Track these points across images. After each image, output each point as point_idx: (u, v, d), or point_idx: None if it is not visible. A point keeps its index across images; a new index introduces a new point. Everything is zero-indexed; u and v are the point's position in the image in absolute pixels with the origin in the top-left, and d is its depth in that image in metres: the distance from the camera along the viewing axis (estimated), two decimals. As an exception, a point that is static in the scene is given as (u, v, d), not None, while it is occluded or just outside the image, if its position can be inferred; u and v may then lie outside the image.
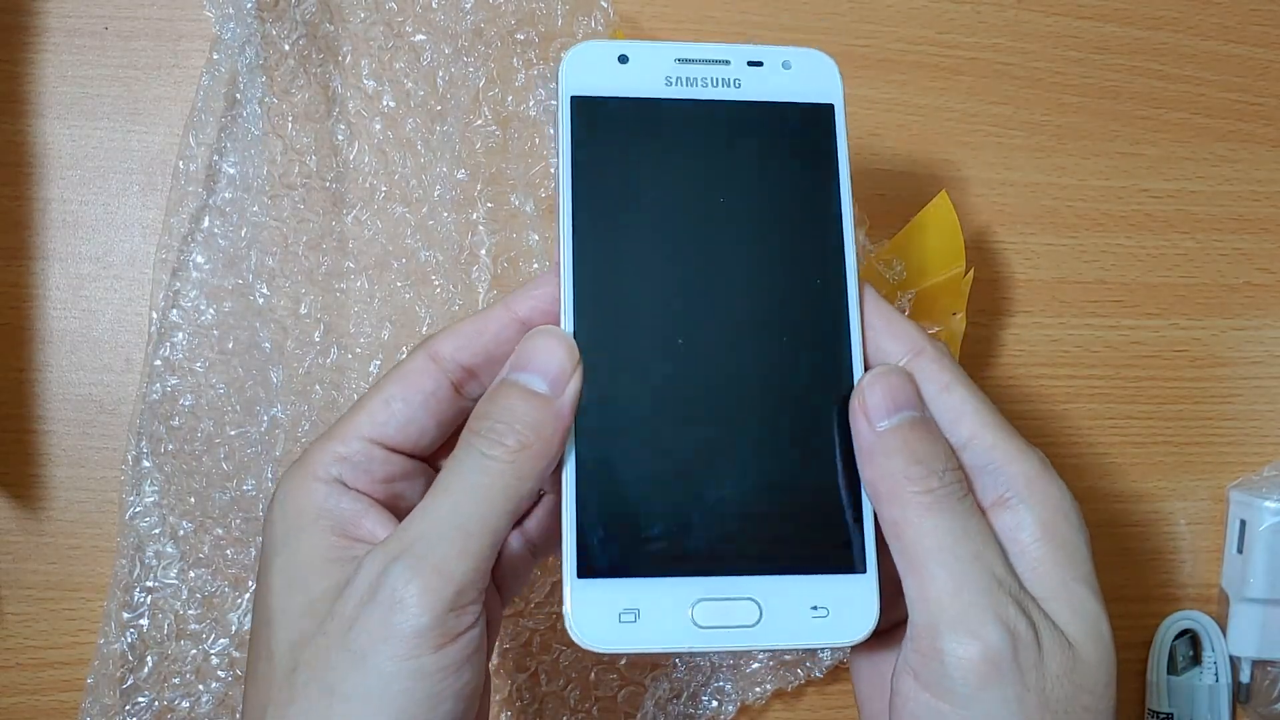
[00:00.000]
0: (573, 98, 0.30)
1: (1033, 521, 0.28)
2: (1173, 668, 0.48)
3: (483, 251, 0.43)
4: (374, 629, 0.25)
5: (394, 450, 0.29)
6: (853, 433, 0.28)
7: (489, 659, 0.28)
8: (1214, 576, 0.49)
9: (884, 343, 0.29)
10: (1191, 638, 0.48)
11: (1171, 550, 0.49)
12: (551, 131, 0.30)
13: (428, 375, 0.29)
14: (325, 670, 0.25)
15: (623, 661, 0.43)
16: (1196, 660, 0.48)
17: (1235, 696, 0.48)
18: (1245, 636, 0.47)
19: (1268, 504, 0.47)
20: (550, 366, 0.27)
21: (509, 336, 0.29)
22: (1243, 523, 0.48)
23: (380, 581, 0.25)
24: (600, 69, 0.30)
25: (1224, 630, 0.48)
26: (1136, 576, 0.49)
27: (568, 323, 0.28)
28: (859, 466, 0.28)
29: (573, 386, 0.27)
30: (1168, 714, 0.47)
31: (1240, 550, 0.47)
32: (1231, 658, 0.47)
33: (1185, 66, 0.50)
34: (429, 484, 0.30)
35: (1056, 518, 0.28)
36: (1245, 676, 0.48)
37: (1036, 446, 0.29)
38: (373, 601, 0.25)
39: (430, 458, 0.30)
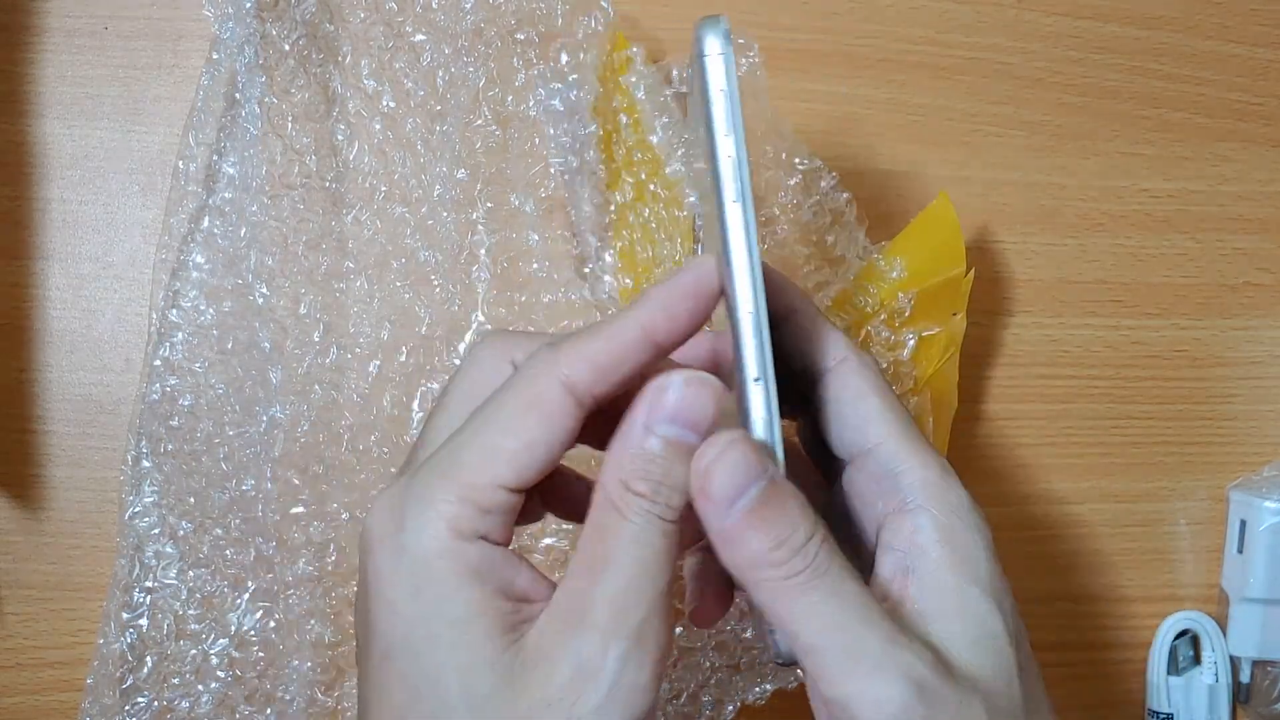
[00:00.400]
0: (723, 91, 0.27)
1: (930, 524, 0.28)
2: (1173, 668, 0.48)
3: (482, 251, 0.43)
4: (610, 712, 0.25)
5: (520, 492, 0.27)
6: (700, 514, 0.26)
7: None
8: (1214, 576, 0.49)
9: (811, 350, 0.30)
10: (1191, 638, 0.48)
11: (1171, 550, 0.49)
12: (696, 115, 0.28)
13: (569, 415, 0.26)
14: None
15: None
16: (1196, 660, 0.48)
17: (1235, 696, 0.48)
18: (1245, 636, 0.47)
19: (1268, 504, 0.47)
20: (705, 423, 0.26)
21: (644, 360, 0.27)
22: (1243, 523, 0.48)
23: (604, 666, 0.25)
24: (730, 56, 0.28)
25: (1224, 630, 0.48)
26: (1136, 576, 0.49)
27: (761, 366, 0.27)
28: (716, 549, 0.26)
29: (709, 434, 0.27)
30: (1168, 714, 0.47)
31: (1240, 550, 0.48)
32: (1231, 658, 0.47)
33: (1185, 66, 0.50)
34: None
35: (953, 521, 0.28)
36: (1245, 676, 0.48)
37: (941, 454, 0.30)
38: (601, 687, 0.25)
39: None
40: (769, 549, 0.25)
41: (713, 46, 0.27)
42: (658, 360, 0.27)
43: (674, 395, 0.26)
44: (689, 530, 0.27)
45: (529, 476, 0.26)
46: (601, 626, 0.25)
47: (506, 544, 0.27)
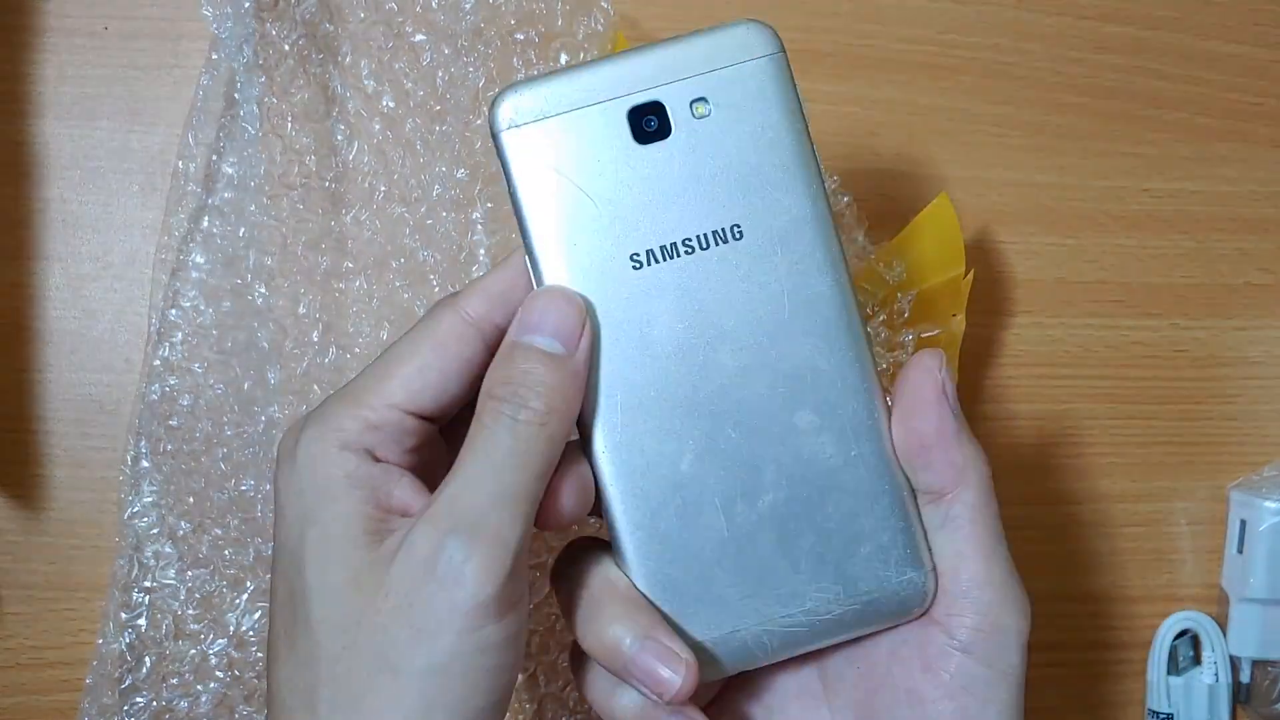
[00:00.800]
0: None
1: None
2: (1173, 668, 0.48)
3: (481, 251, 0.43)
4: (438, 605, 0.25)
5: (424, 418, 0.28)
6: (931, 415, 0.29)
7: None
8: (1214, 576, 0.49)
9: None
10: (1192, 638, 0.48)
11: (1171, 550, 0.49)
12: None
13: (465, 341, 0.28)
14: (388, 648, 0.25)
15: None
16: (1196, 660, 0.48)
17: (1235, 696, 0.48)
18: (1245, 636, 0.47)
19: (1268, 504, 0.47)
20: (564, 326, 0.27)
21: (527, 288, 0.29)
22: (1243, 523, 0.48)
23: (437, 556, 0.25)
24: None
25: (1224, 630, 0.48)
26: (1136, 576, 0.49)
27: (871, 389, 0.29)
28: (937, 450, 0.29)
29: (585, 342, 0.27)
30: (1168, 714, 0.47)
31: (1240, 550, 0.47)
32: (1231, 658, 0.47)
33: (1185, 66, 0.50)
34: (438, 445, 0.30)
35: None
36: (1245, 676, 0.48)
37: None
38: (433, 578, 0.25)
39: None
40: (974, 448, 0.29)
41: (764, 43, 0.30)
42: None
43: (532, 308, 0.28)
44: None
45: (426, 399, 0.28)
46: (436, 520, 0.26)
47: (399, 465, 0.28)
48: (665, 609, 0.28)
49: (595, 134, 0.29)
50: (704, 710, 0.30)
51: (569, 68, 0.30)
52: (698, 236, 0.28)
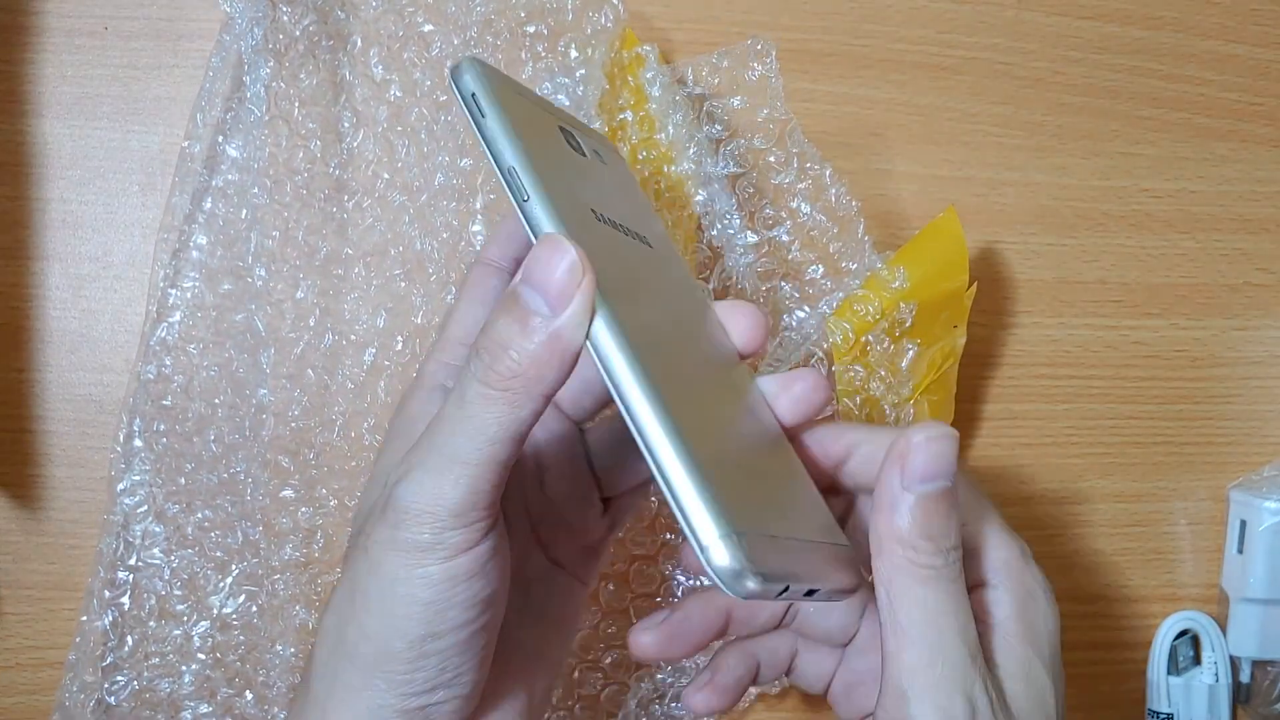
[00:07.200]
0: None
1: (1009, 601, 0.30)
2: (1173, 668, 0.48)
3: (480, 241, 0.43)
4: (385, 540, 0.26)
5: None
6: (883, 479, 0.28)
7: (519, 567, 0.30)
8: (1214, 576, 0.49)
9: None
10: (1192, 638, 0.48)
11: (1171, 550, 0.49)
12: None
13: (490, 277, 0.33)
14: (353, 574, 0.27)
15: (607, 660, 0.44)
16: (1196, 660, 0.48)
17: (1235, 696, 0.48)
18: (1245, 636, 0.47)
19: (1268, 504, 0.47)
20: (551, 283, 0.25)
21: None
22: (1243, 523, 0.48)
23: (390, 499, 0.26)
24: None
25: (1224, 630, 0.48)
26: (1136, 576, 0.49)
27: None
28: (874, 512, 0.28)
29: (575, 305, 0.25)
30: (1168, 714, 0.47)
31: (1240, 550, 0.48)
32: (1231, 658, 0.48)
33: (1185, 66, 0.50)
34: None
35: (1029, 603, 0.30)
36: (1245, 676, 0.48)
37: (1020, 535, 0.31)
38: (384, 517, 0.26)
39: None
40: (920, 536, 0.27)
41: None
42: None
43: (532, 254, 0.25)
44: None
45: (474, 333, 0.28)
46: (401, 469, 0.27)
47: None
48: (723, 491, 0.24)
49: (545, 122, 0.31)
50: None
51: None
52: (625, 228, 0.31)
